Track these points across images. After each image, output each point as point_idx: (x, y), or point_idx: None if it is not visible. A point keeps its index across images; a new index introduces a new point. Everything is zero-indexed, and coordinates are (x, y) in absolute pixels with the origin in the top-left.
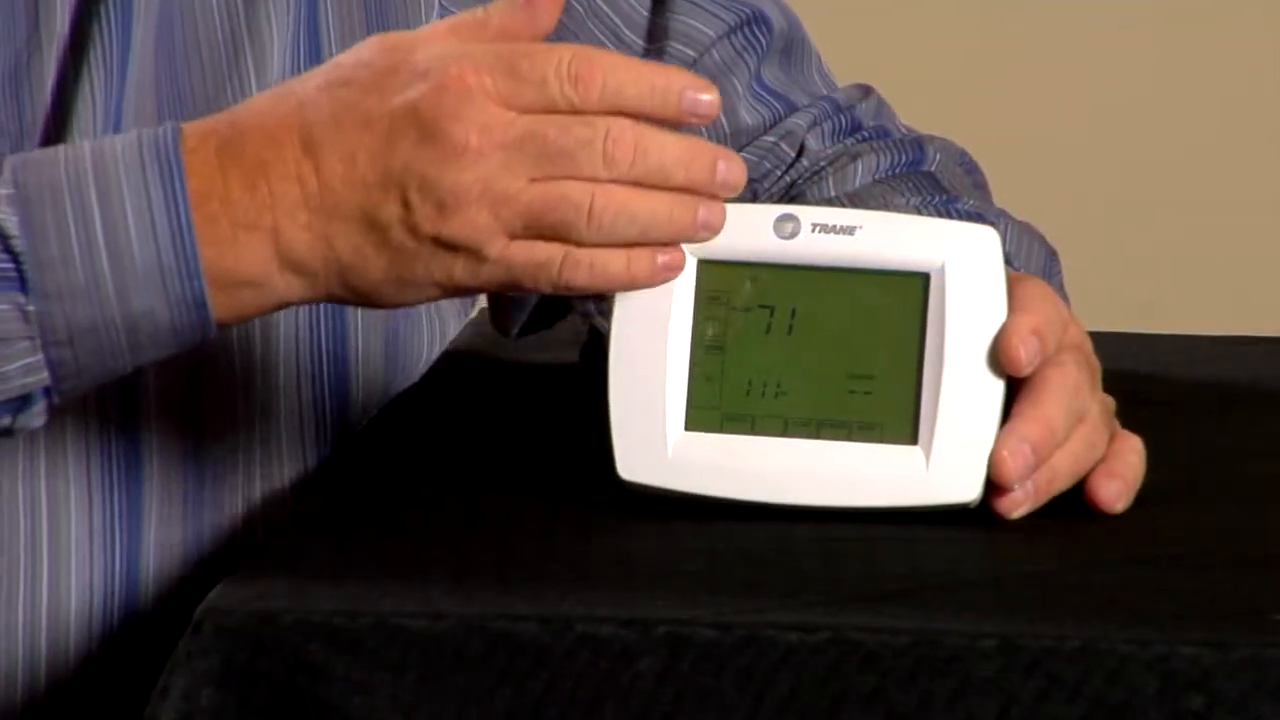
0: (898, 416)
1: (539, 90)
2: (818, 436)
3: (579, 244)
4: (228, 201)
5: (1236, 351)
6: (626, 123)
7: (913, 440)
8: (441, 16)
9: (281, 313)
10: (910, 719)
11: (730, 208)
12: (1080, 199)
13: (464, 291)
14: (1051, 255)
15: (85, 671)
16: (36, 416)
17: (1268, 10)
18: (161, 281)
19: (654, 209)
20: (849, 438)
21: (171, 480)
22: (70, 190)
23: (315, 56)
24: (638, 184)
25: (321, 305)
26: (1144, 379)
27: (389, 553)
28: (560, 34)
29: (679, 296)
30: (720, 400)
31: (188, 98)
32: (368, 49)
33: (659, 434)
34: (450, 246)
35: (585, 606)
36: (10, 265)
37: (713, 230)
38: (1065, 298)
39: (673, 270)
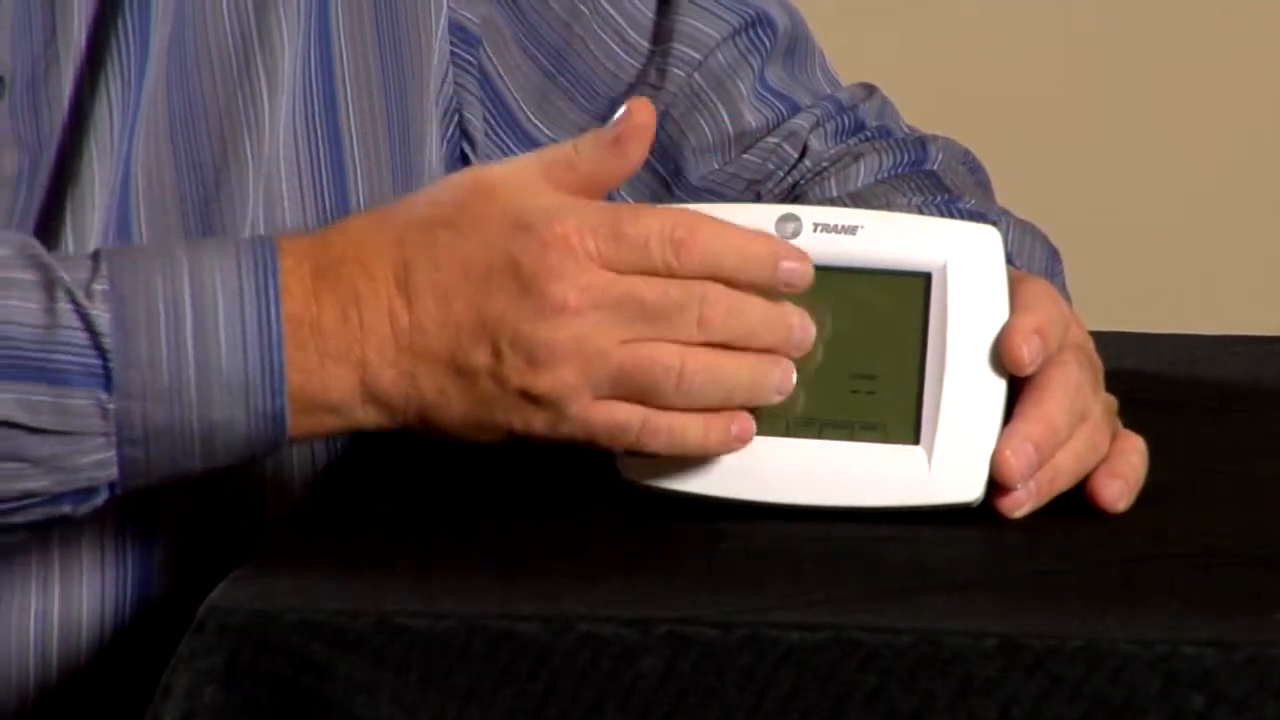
0: (899, 416)
1: (641, 253)
2: (820, 436)
3: (664, 406)
4: (319, 330)
5: (1236, 351)
6: (721, 288)
7: (915, 440)
8: (451, 21)
9: None
10: (912, 718)
11: (731, 208)
12: (1081, 198)
13: (535, 440)
14: (1054, 255)
15: (92, 671)
16: (95, 505)
17: (1268, 10)
18: (245, 396)
19: (738, 372)
20: (851, 438)
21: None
22: (165, 294)
23: (326, 64)
24: (725, 347)
25: None
26: (1144, 379)
27: (392, 552)
28: (568, 37)
29: None
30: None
31: (199, 104)
32: (462, 189)
33: None
34: (534, 400)
35: (587, 606)
36: (98, 362)
37: (784, 393)
38: (1067, 297)
39: (744, 440)
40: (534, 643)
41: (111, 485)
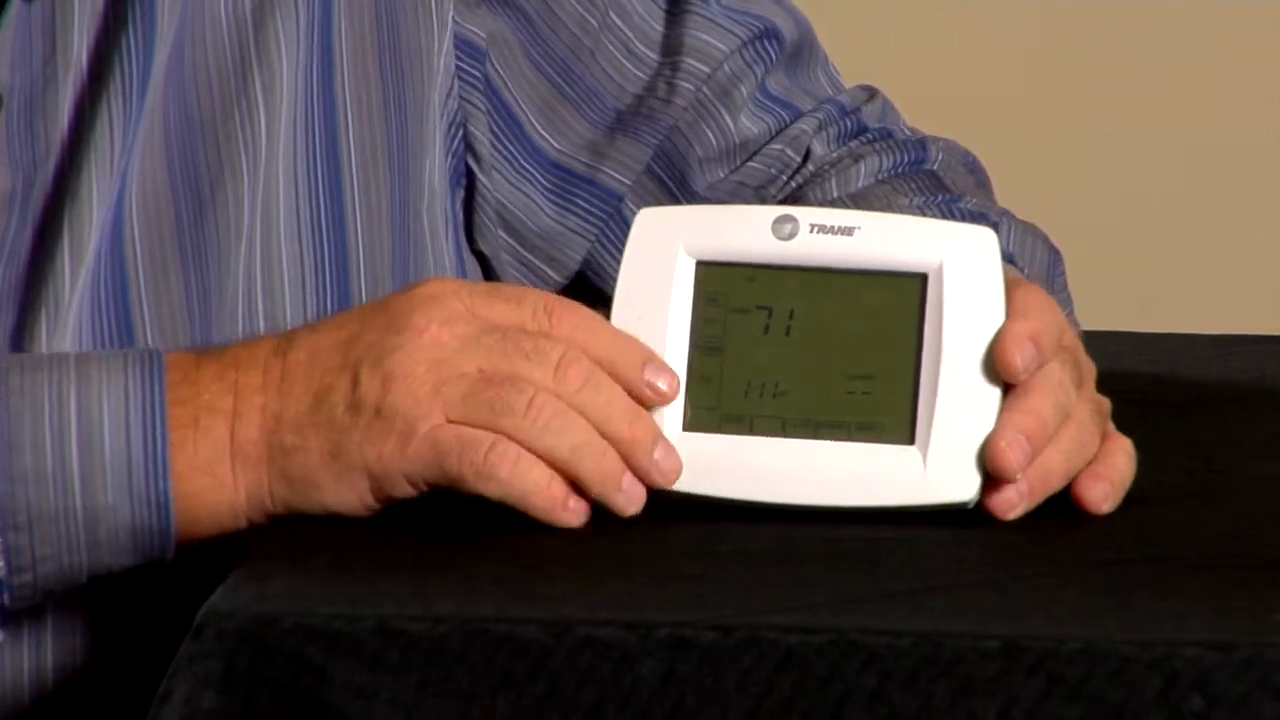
0: (896, 416)
1: (513, 306)
2: (816, 437)
3: (511, 433)
4: (196, 385)
5: (1236, 351)
6: (586, 357)
7: (910, 440)
8: (456, 36)
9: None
10: None
11: (729, 209)
12: (1082, 199)
13: (389, 481)
14: (1055, 255)
15: (88, 675)
16: None
17: (1268, 10)
18: (129, 477)
19: (591, 435)
20: (847, 438)
21: None
22: (51, 379)
23: (327, 77)
24: (580, 411)
25: (331, 305)
26: (1144, 379)
27: (389, 555)
28: (576, 49)
29: (677, 297)
30: (719, 401)
31: (195, 118)
32: None
33: None
34: (388, 419)
35: (586, 609)
36: None
37: (630, 504)
38: (1069, 298)
39: (577, 516)
40: (533, 646)
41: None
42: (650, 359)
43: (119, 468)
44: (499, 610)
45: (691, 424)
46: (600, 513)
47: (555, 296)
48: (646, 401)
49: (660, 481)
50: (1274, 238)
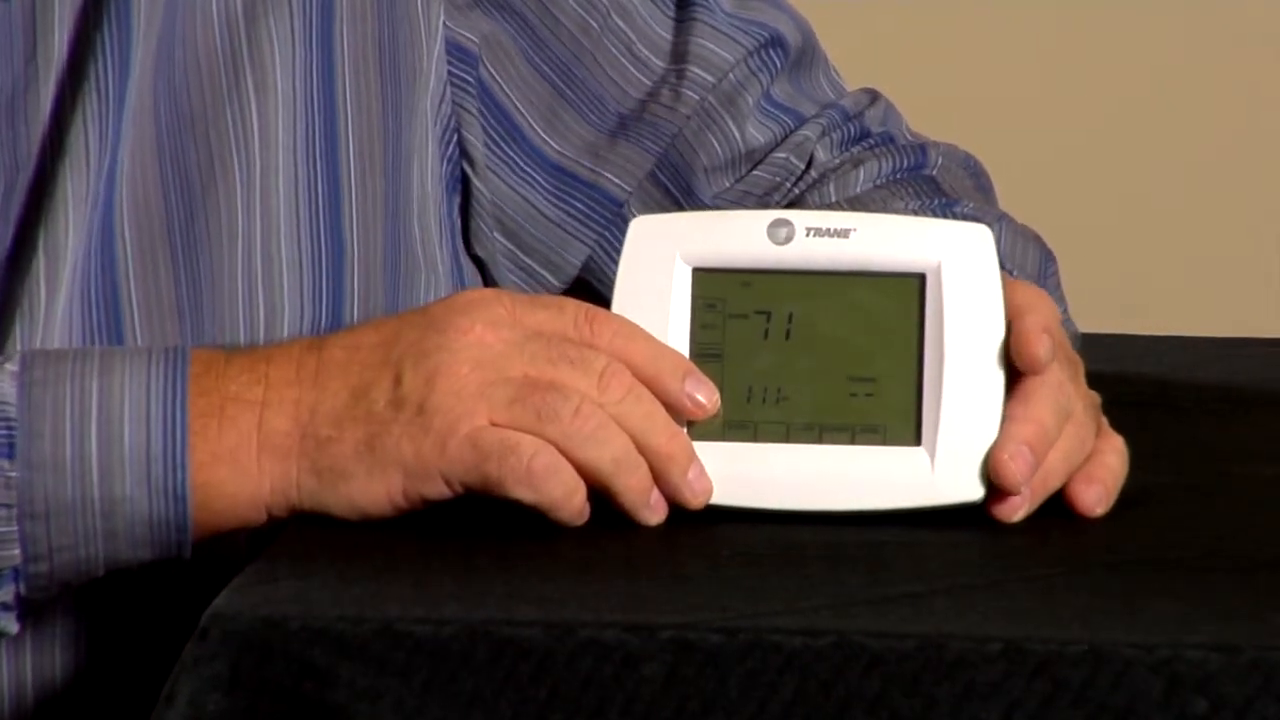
0: (900, 418)
1: (555, 313)
2: (820, 441)
3: (553, 441)
4: (223, 376)
5: (1238, 353)
6: (628, 371)
7: (916, 441)
8: (448, 41)
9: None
10: None
11: (724, 214)
12: (1086, 201)
13: (423, 479)
14: (1047, 257)
15: (92, 676)
16: (5, 615)
17: (1267, 10)
18: (146, 465)
19: (630, 449)
20: (852, 441)
21: None
22: (73, 371)
23: (328, 77)
24: (620, 422)
25: (325, 306)
26: (1144, 379)
27: (393, 558)
28: (577, 52)
29: (675, 305)
30: (721, 408)
31: (186, 117)
32: None
33: None
34: (429, 415)
35: (590, 612)
36: (3, 431)
37: (654, 516)
38: (1062, 298)
39: (581, 521)
40: (536, 648)
41: (15, 574)
42: (690, 371)
43: (137, 459)
44: (503, 613)
45: (694, 432)
46: (603, 515)
47: (593, 306)
48: (686, 414)
49: (690, 502)
50: (1275, 240)
